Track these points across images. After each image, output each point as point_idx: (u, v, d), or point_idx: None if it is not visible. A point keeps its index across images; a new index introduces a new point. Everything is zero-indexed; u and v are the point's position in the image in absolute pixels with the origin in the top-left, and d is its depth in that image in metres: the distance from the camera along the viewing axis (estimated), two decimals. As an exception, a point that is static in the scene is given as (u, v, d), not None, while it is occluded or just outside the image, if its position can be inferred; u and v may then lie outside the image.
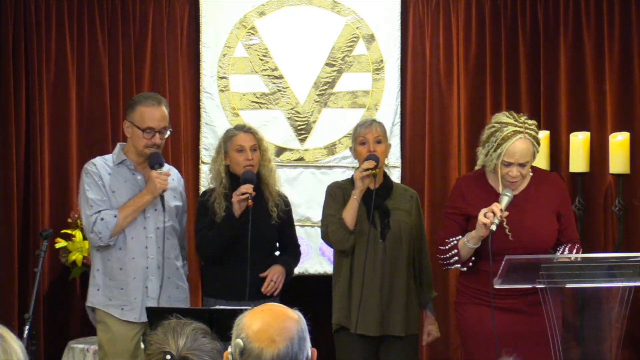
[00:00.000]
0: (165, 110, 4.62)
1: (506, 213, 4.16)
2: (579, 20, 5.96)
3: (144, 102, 4.58)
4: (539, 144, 4.33)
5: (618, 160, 5.72)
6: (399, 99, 6.03)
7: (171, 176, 4.68)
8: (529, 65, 5.99)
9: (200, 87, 6.02)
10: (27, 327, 4.12)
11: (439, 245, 4.42)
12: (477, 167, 4.46)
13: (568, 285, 4.10)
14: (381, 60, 6.02)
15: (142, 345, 4.49)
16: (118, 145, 4.73)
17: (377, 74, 6.02)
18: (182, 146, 6.00)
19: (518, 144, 4.22)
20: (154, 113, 4.56)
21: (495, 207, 4.15)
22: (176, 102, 5.99)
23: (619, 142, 5.73)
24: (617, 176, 5.79)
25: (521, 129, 4.25)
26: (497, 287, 4.09)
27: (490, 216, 4.13)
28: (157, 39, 6.01)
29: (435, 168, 6.03)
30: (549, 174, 4.73)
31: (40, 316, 5.71)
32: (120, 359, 4.53)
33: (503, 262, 4.00)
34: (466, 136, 6.00)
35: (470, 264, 4.33)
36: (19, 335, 4.58)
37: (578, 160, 5.76)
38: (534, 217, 4.32)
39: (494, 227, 4.11)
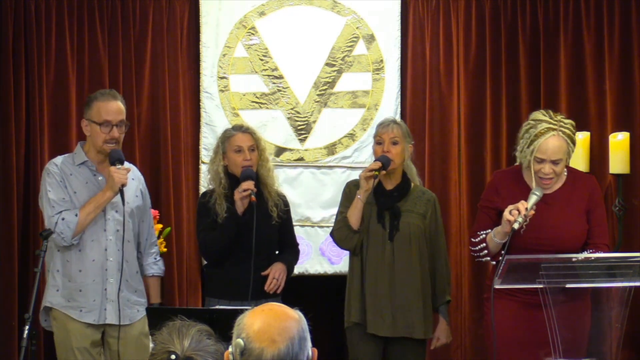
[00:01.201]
0: (121, 104, 4.60)
1: (532, 212, 4.16)
2: (579, 20, 5.96)
3: (100, 98, 4.59)
4: (574, 143, 4.30)
5: (618, 160, 5.72)
6: (399, 99, 6.02)
7: (132, 176, 4.63)
8: (529, 65, 5.99)
9: (200, 87, 6.02)
10: (27, 327, 4.11)
11: (471, 237, 4.44)
12: (517, 163, 4.45)
13: (568, 285, 4.10)
14: (381, 60, 6.02)
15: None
16: (78, 144, 4.70)
17: (377, 74, 6.02)
18: (182, 146, 6.00)
19: (551, 141, 4.22)
20: (110, 106, 4.56)
21: (522, 205, 4.15)
22: (176, 102, 5.99)
23: (619, 142, 5.73)
24: (617, 176, 5.79)
25: (555, 127, 4.24)
26: (497, 287, 4.09)
27: (515, 214, 4.13)
28: (157, 39, 6.00)
29: (435, 168, 6.02)
30: (586, 175, 4.68)
31: (40, 316, 5.71)
32: (76, 356, 4.52)
33: (503, 262, 4.00)
34: (466, 136, 6.00)
35: (500, 258, 4.30)
36: (19, 335, 4.58)
37: (578, 160, 5.74)
38: (564, 216, 4.31)
39: (516, 225, 4.12)
